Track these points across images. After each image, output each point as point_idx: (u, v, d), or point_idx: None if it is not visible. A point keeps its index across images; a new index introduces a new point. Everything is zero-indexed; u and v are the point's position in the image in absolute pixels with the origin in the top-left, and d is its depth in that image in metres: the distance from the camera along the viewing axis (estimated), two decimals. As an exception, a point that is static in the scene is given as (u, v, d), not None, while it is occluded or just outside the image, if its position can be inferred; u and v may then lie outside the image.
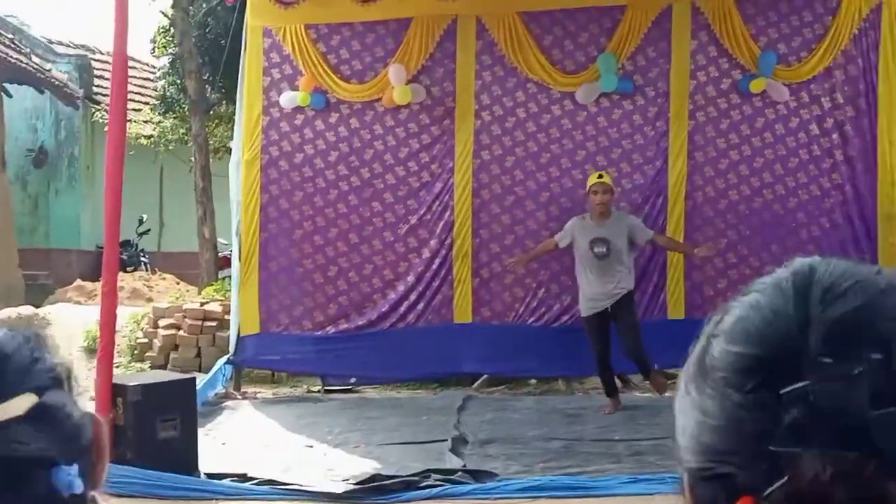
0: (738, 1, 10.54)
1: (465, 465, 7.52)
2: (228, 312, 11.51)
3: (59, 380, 1.13)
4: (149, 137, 20.10)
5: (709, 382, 0.89)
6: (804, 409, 0.82)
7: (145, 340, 12.59)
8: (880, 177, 10.37)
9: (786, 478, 0.81)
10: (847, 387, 0.82)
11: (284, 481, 7.08)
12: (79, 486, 1.04)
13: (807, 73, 10.47)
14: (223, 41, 16.25)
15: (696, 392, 0.91)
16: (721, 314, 0.94)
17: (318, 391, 11.03)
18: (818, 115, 10.52)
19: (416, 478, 7.14)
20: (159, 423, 7.13)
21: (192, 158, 16.68)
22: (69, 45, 23.62)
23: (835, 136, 10.48)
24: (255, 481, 7.16)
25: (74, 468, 1.04)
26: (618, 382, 10.51)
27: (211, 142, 18.14)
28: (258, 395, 10.75)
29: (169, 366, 11.86)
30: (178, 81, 17.98)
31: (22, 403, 1.06)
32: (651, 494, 6.48)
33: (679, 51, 10.67)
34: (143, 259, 20.99)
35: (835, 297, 0.87)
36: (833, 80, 10.48)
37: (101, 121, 20.12)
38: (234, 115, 12.50)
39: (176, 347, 12.24)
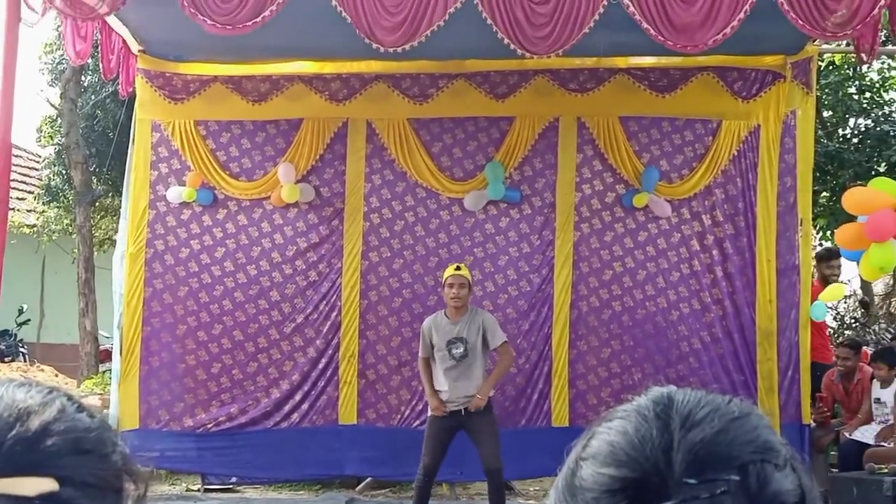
0: (622, 117, 10.85)
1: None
2: (108, 406, 11.24)
3: (108, 485, 1.08)
4: (31, 227, 19.75)
5: (579, 502, 0.95)
6: None
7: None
8: (759, 293, 10.64)
9: None
10: None
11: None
12: None
13: (688, 190, 10.79)
14: (111, 133, 16.19)
15: None
16: (586, 439, 1.01)
17: (198, 490, 10.81)
18: (699, 231, 10.82)
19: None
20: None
21: (76, 249, 16.45)
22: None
23: (715, 252, 10.77)
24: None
25: None
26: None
27: (95, 233, 17.93)
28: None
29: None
30: (64, 172, 17.76)
31: (36, 485, 1.01)
32: None
33: (565, 163, 10.90)
34: (21, 349, 20.46)
35: (694, 423, 0.95)
36: (713, 197, 10.81)
37: (-19, 208, 19.69)
38: (119, 207, 12.39)
39: (52, 442, 11.86)
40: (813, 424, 10.43)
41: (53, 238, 19.69)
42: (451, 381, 8.53)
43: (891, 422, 9.47)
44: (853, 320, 15.69)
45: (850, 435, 9.88)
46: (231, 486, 10.94)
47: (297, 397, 10.72)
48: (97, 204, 17.93)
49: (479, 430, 8.45)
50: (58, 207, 18.93)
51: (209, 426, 10.73)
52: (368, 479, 10.97)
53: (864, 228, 8.50)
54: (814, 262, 11.49)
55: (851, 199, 8.87)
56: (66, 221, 18.99)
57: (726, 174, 10.80)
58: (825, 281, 11.05)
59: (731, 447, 0.94)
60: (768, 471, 0.93)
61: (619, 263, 10.83)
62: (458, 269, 8.81)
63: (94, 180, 17.20)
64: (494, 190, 10.75)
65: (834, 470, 9.74)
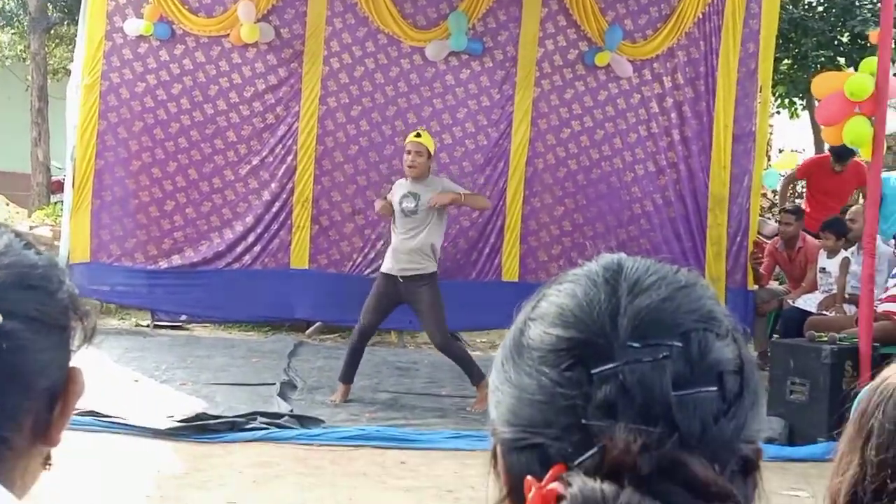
0: (590, -27, 10.74)
1: (292, 410, 7.57)
2: (58, 238, 11.23)
3: (53, 321, 1.09)
4: (-17, 52, 19.34)
5: (526, 360, 0.98)
6: (614, 387, 0.92)
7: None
8: (714, 159, 10.72)
9: (596, 448, 0.90)
10: (652, 369, 0.92)
11: (108, 414, 6.99)
12: None
13: (650, 51, 10.74)
14: (69, -41, 15.76)
15: (512, 369, 1.00)
16: (535, 300, 1.04)
17: (147, 325, 10.91)
18: (659, 93, 10.81)
19: (241, 419, 7.18)
20: None
21: (30, 77, 16.16)
22: None
23: (673, 115, 10.79)
24: (77, 411, 7.04)
25: None
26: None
27: (50, 62, 17.60)
28: (84, 326, 10.52)
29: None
30: (19, -4, 17.34)
31: None
32: (473, 450, 6.66)
33: (529, 16, 10.78)
34: (-29, 177, 20.24)
35: (641, 289, 0.98)
36: (675, 60, 10.78)
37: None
38: (75, 36, 12.13)
39: (0, 271, 11.86)
40: (756, 288, 10.64)
41: (6, 64, 19.32)
42: (396, 242, 8.25)
43: (834, 291, 9.67)
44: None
45: (793, 303, 10.09)
46: (181, 324, 11.04)
47: (250, 239, 10.73)
48: (52, 31, 17.56)
49: (418, 304, 8.21)
50: (12, 33, 18.54)
51: (160, 263, 10.73)
52: (318, 324, 11.10)
53: (816, 112, 8.50)
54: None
55: (817, 84, 8.83)
56: (20, 47, 18.63)
57: (690, 36, 10.76)
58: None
59: (676, 315, 0.96)
60: (710, 339, 0.96)
61: (577, 122, 10.83)
62: (417, 135, 8.50)
63: (50, 6, 16.81)
64: (457, 41, 10.64)
65: (775, 336, 9.96)
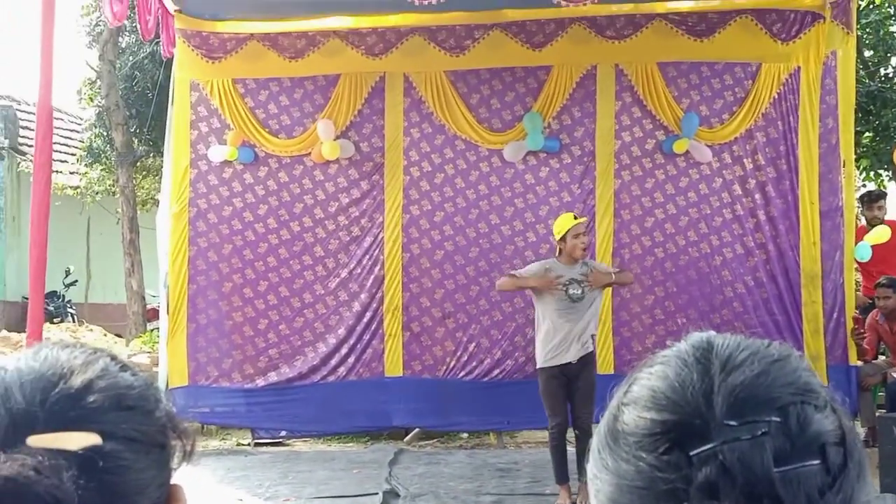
0: (660, 63, 10.78)
1: (396, 519, 7.53)
2: (156, 364, 11.42)
3: (152, 440, 1.10)
4: (75, 188, 19.91)
5: (622, 447, 0.98)
6: (715, 468, 0.91)
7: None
8: (802, 236, 10.60)
9: None
10: (752, 447, 0.92)
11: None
12: None
13: (728, 134, 10.72)
14: (150, 94, 16.29)
15: (609, 457, 1.00)
16: (627, 385, 1.04)
17: (248, 444, 10.96)
18: (741, 175, 10.76)
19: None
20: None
21: (120, 210, 16.60)
22: (-6, 96, 23.36)
23: (757, 196, 10.72)
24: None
25: None
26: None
27: (138, 194, 18.09)
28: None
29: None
30: (105, 133, 17.90)
31: (79, 440, 1.03)
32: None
33: (604, 111, 10.86)
34: (70, 310, 20.68)
35: (734, 366, 0.98)
36: (754, 141, 10.74)
37: (26, 171, 19.89)
38: (161, 167, 12.48)
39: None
40: (860, 364, 10.40)
41: (97, 199, 19.85)
42: (566, 326, 7.96)
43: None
44: None
45: (896, 375, 9.86)
46: (281, 440, 11.08)
47: (344, 351, 10.82)
48: (139, 164, 18.08)
49: (584, 381, 7.95)
50: (100, 168, 19.08)
51: (257, 381, 10.86)
52: (416, 430, 11.07)
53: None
54: (858, 205, 11.38)
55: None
56: (108, 182, 19.14)
57: (767, 117, 10.72)
58: (870, 223, 10.97)
59: (771, 389, 0.96)
60: (808, 412, 0.95)
61: (660, 210, 10.80)
62: (575, 217, 8.28)
63: (135, 141, 17.34)
64: (533, 140, 10.73)
65: (882, 410, 9.70)
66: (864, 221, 11.13)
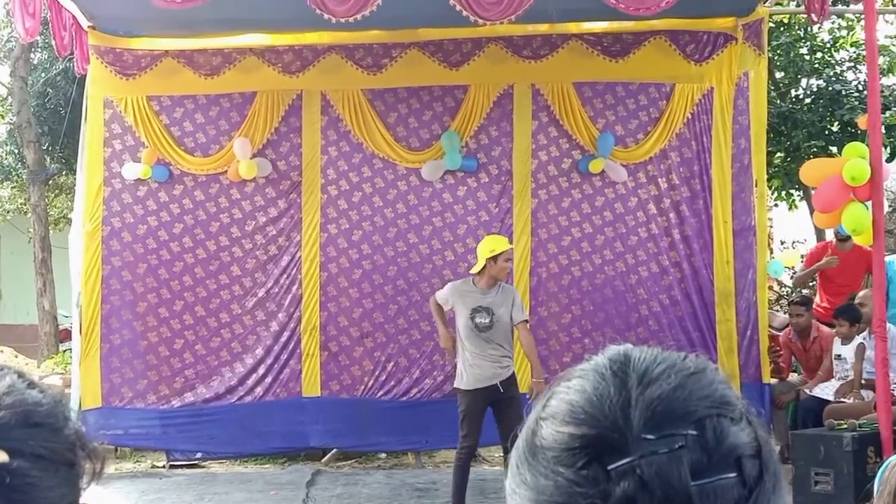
0: (576, 83, 10.87)
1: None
2: (69, 386, 11.19)
3: (60, 458, 1.09)
4: (-15, 207, 19.56)
5: (540, 462, 0.97)
6: (633, 482, 0.91)
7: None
8: (716, 255, 10.72)
9: None
10: (669, 461, 0.92)
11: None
12: None
13: (643, 154, 10.84)
14: (63, 111, 16.07)
15: (528, 472, 0.99)
16: (546, 399, 1.03)
17: (163, 466, 10.80)
18: (655, 194, 10.88)
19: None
20: None
21: (32, 229, 16.32)
22: None
23: (671, 215, 10.84)
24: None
25: None
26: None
27: (51, 212, 17.79)
28: (99, 472, 10.43)
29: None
30: (17, 151, 17.61)
31: None
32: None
33: (520, 130, 10.93)
34: (-21, 331, 20.27)
35: (651, 379, 0.98)
36: (669, 161, 10.87)
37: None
38: (74, 185, 12.28)
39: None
40: (773, 381, 10.56)
41: (8, 218, 19.53)
42: (477, 352, 8.05)
43: (850, 378, 9.60)
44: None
45: (810, 392, 10.01)
46: (196, 462, 10.93)
47: (261, 371, 10.72)
48: (51, 182, 17.80)
49: (510, 400, 8.00)
50: (11, 187, 18.79)
51: (173, 402, 10.71)
52: (334, 451, 11.00)
53: (814, 200, 8.47)
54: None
55: (806, 172, 8.90)
56: (20, 201, 18.85)
57: (681, 137, 10.87)
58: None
59: (688, 402, 0.96)
60: (725, 425, 0.95)
61: (577, 229, 10.88)
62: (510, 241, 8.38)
63: (48, 159, 17.06)
64: (451, 159, 10.75)
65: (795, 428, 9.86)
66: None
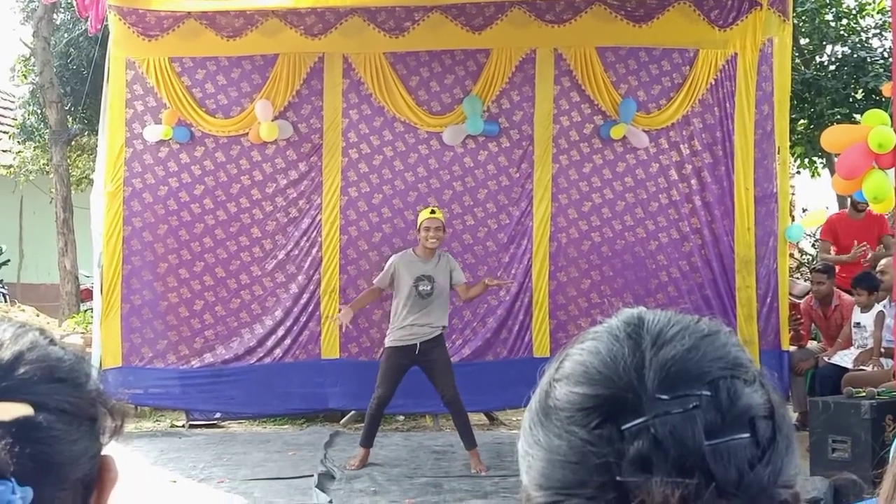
0: (599, 48, 10.82)
1: (331, 501, 7.53)
2: (90, 345, 11.27)
3: (83, 413, 1.11)
4: (8, 167, 19.62)
5: (554, 422, 0.98)
6: (647, 442, 0.92)
7: (1, 374, 12.20)
8: (737, 222, 10.70)
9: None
10: (683, 421, 0.92)
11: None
12: None
13: (665, 120, 10.80)
14: (85, 72, 16.06)
15: (541, 432, 1.00)
16: (559, 361, 1.04)
17: (182, 426, 10.88)
18: (677, 161, 10.84)
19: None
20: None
21: (54, 189, 16.38)
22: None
23: (693, 181, 10.81)
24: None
25: (27, 492, 1.01)
26: (484, 419, 10.71)
27: (73, 173, 17.85)
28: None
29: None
30: (39, 111, 17.64)
31: (11, 410, 1.04)
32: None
33: (542, 95, 10.89)
34: (1, 290, 20.37)
35: (665, 341, 0.99)
36: (691, 127, 10.82)
37: (-43, 149, 19.60)
38: (96, 146, 12.31)
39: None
40: (792, 349, 10.54)
41: (31, 178, 19.59)
42: (412, 317, 8.60)
43: (870, 346, 9.57)
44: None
45: (829, 359, 10.00)
46: (215, 422, 11.01)
47: (280, 333, 10.76)
48: (73, 143, 17.84)
49: (433, 363, 8.63)
50: (34, 147, 18.82)
51: (192, 363, 10.77)
52: (352, 413, 11.05)
53: (837, 165, 8.38)
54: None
55: (827, 137, 8.81)
56: (42, 161, 18.89)
57: (703, 103, 10.81)
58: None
59: (702, 363, 0.97)
60: (738, 386, 0.96)
61: (597, 195, 10.86)
62: (433, 212, 8.79)
63: (70, 119, 17.10)
64: (473, 124, 10.73)
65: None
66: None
